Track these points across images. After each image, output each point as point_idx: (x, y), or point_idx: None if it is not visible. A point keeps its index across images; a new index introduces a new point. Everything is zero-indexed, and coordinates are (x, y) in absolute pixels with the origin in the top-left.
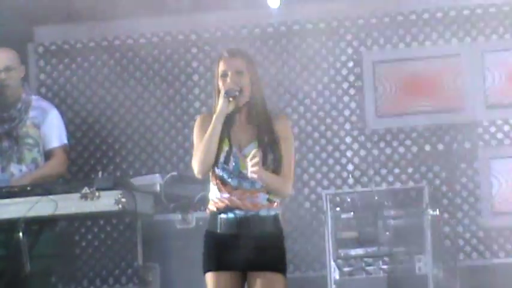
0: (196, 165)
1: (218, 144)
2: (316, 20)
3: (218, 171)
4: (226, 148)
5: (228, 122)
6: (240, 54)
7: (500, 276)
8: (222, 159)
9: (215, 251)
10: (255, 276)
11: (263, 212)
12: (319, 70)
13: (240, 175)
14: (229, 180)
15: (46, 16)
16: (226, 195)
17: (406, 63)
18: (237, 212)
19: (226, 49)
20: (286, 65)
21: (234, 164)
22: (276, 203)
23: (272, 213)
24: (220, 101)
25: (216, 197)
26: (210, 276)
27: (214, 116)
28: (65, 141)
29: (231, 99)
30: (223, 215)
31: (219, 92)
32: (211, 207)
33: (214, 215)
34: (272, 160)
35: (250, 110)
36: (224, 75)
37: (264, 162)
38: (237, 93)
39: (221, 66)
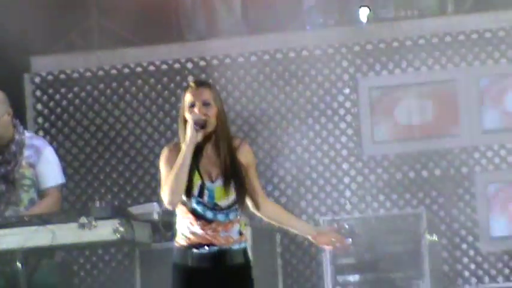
0: (166, 196)
1: (189, 178)
2: (312, 47)
3: (192, 205)
4: (198, 181)
5: (196, 155)
6: (207, 85)
7: None
8: (196, 192)
9: (186, 284)
10: None
11: (235, 247)
12: (316, 97)
13: (215, 207)
14: (205, 213)
15: (43, 46)
16: (199, 230)
17: (402, 89)
18: (211, 247)
19: (192, 80)
20: (283, 92)
21: (208, 196)
22: (244, 236)
23: (243, 246)
24: (189, 131)
25: (188, 231)
26: None
27: (185, 146)
28: (60, 180)
29: (199, 127)
30: (195, 250)
31: (185, 122)
32: (182, 241)
33: (185, 249)
34: (236, 188)
35: (217, 142)
36: (192, 106)
37: (228, 192)
38: (205, 122)
39: (188, 97)
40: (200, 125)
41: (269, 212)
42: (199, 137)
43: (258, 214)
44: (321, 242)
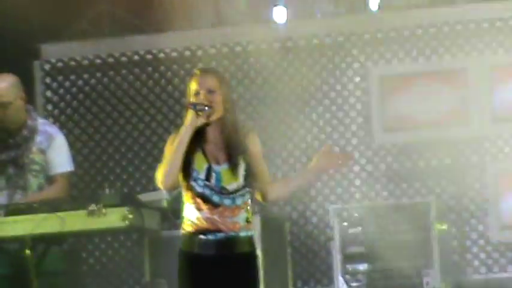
0: (159, 176)
1: (196, 162)
2: (323, 35)
3: (199, 189)
4: (205, 165)
5: (202, 139)
6: (212, 72)
7: None
8: (203, 176)
9: (192, 271)
10: None
11: (243, 233)
12: (326, 85)
13: (222, 191)
14: (211, 197)
15: (53, 34)
16: (206, 215)
17: (412, 78)
18: (218, 233)
19: (198, 68)
20: (293, 81)
21: (216, 179)
22: (252, 225)
23: (250, 234)
24: (189, 114)
25: (194, 217)
26: None
27: (182, 128)
28: (69, 168)
29: (199, 113)
30: (202, 236)
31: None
32: (188, 228)
33: (191, 235)
34: (243, 176)
35: (223, 128)
36: (196, 94)
37: (235, 175)
38: (205, 107)
39: (193, 85)
40: (200, 109)
41: (276, 192)
42: (199, 121)
43: (269, 201)
44: (323, 168)
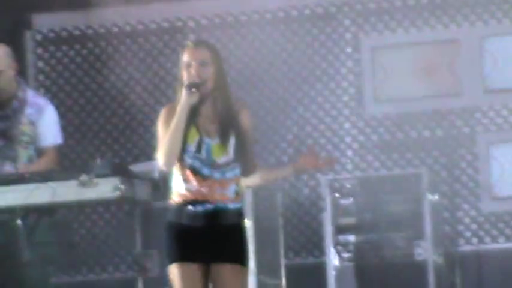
0: (162, 157)
1: (187, 134)
2: (314, 5)
3: (189, 160)
4: (196, 137)
5: (194, 112)
6: (205, 44)
7: (500, 262)
8: (193, 148)
9: (180, 243)
10: (219, 268)
11: (231, 205)
12: (317, 55)
13: (212, 164)
14: (201, 169)
15: (44, 4)
16: (194, 187)
17: (404, 49)
18: (206, 204)
19: (191, 39)
20: (285, 51)
21: (206, 152)
22: (241, 197)
23: (238, 206)
24: (183, 94)
25: (183, 188)
26: (175, 268)
27: (179, 108)
28: (59, 140)
29: (193, 90)
30: (190, 207)
31: (182, 82)
32: (177, 198)
33: (180, 206)
34: (234, 151)
35: (215, 102)
36: (188, 65)
37: (226, 149)
38: (199, 85)
39: (185, 57)
40: (193, 87)
41: (253, 178)
42: (194, 99)
43: (247, 183)
44: (304, 164)
